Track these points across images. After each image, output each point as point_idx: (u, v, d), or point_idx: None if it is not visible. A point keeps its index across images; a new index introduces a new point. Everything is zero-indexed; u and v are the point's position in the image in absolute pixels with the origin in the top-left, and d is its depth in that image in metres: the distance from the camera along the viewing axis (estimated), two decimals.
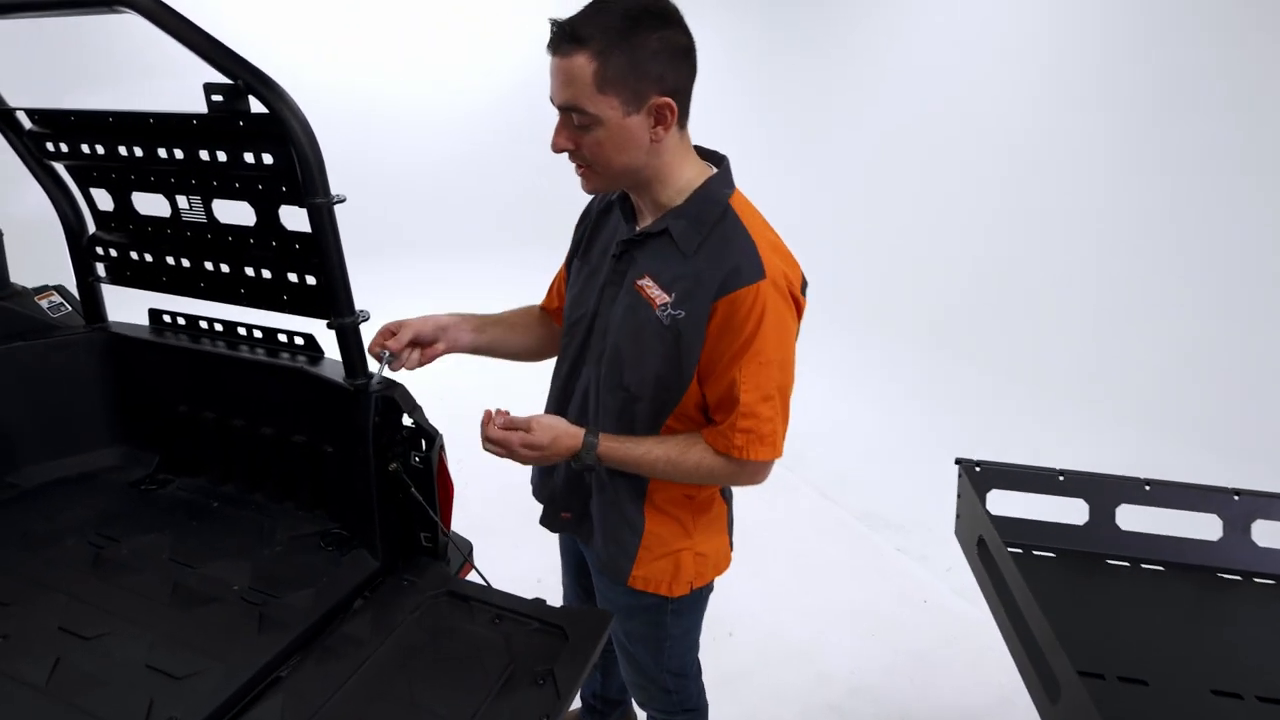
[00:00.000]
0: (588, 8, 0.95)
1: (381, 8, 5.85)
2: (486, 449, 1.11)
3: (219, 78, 1.08)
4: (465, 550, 1.46)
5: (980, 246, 4.00)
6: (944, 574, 2.84)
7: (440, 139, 6.20)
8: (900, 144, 4.49)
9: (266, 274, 1.34)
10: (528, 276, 5.58)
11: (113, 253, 1.53)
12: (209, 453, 1.58)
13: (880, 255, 4.66)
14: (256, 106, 1.12)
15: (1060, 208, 3.61)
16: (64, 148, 1.41)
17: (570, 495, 1.29)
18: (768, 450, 1.08)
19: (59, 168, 1.51)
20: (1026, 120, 3.75)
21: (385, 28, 5.89)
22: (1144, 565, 1.36)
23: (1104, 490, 1.38)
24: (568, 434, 1.12)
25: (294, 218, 1.25)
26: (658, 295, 1.05)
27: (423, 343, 1.24)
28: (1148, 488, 1.36)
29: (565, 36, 0.93)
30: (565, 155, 1.05)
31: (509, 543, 2.60)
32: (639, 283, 1.08)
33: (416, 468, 1.29)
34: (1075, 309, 3.56)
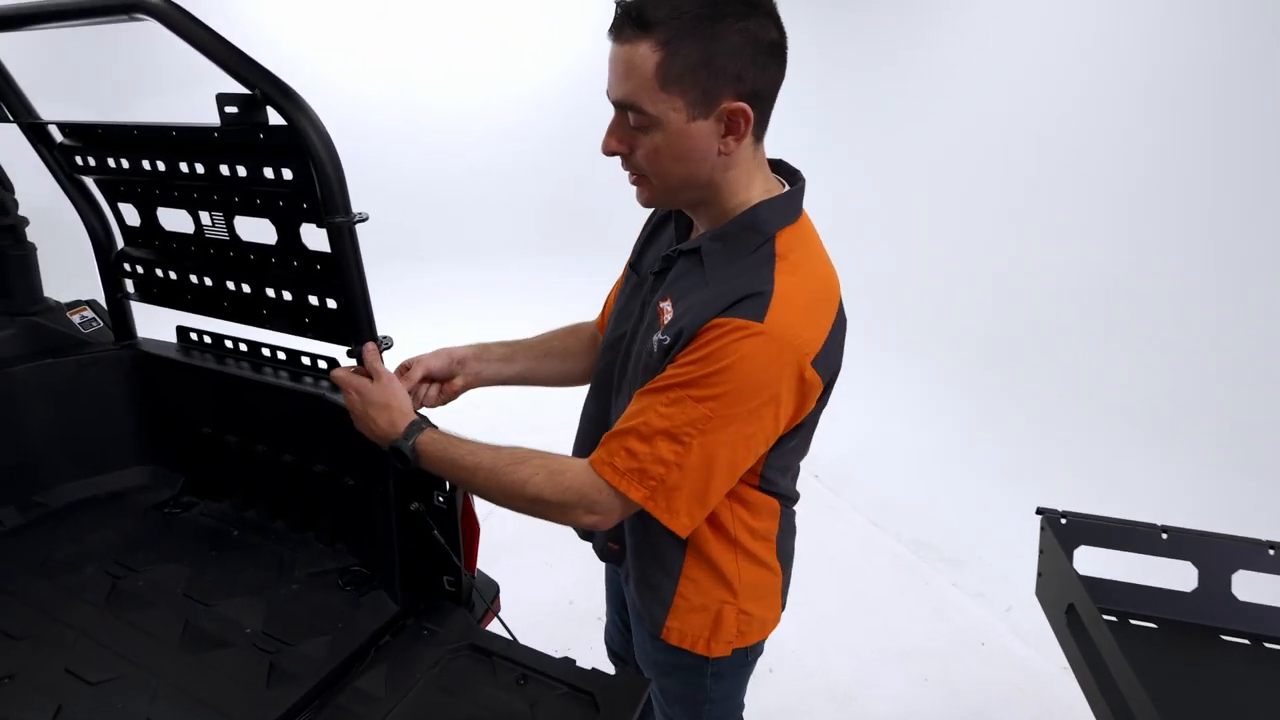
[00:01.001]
0: None
1: (412, 16, 5.87)
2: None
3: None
4: (491, 593, 1.36)
5: (1047, 258, 3.76)
6: (1004, 614, 2.64)
7: (471, 146, 6.19)
8: (957, 150, 4.27)
9: (287, 295, 1.27)
10: (561, 283, 5.55)
11: (140, 269, 1.48)
12: (233, 477, 1.53)
13: (936, 267, 4.44)
14: (276, 119, 1.05)
15: (1129, 223, 3.35)
16: (92, 161, 1.37)
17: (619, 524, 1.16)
18: (639, 491, 0.85)
19: (89, 182, 1.47)
20: (1095, 131, 3.50)
21: (415, 35, 5.90)
22: (1267, 644, 1.18)
23: (1217, 553, 1.20)
24: (399, 412, 1.00)
25: (317, 237, 1.17)
26: (666, 318, 0.91)
27: (437, 378, 1.15)
28: (1272, 552, 1.17)
29: (629, 20, 0.78)
30: (617, 161, 0.90)
31: (541, 560, 2.51)
32: (660, 304, 0.93)
33: (440, 508, 1.20)
34: (1155, 325, 3.28)
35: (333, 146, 1.05)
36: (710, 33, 0.77)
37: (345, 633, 1.18)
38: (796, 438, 0.98)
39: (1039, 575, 1.36)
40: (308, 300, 1.24)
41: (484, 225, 6.27)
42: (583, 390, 1.23)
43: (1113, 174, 3.38)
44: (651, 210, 1.09)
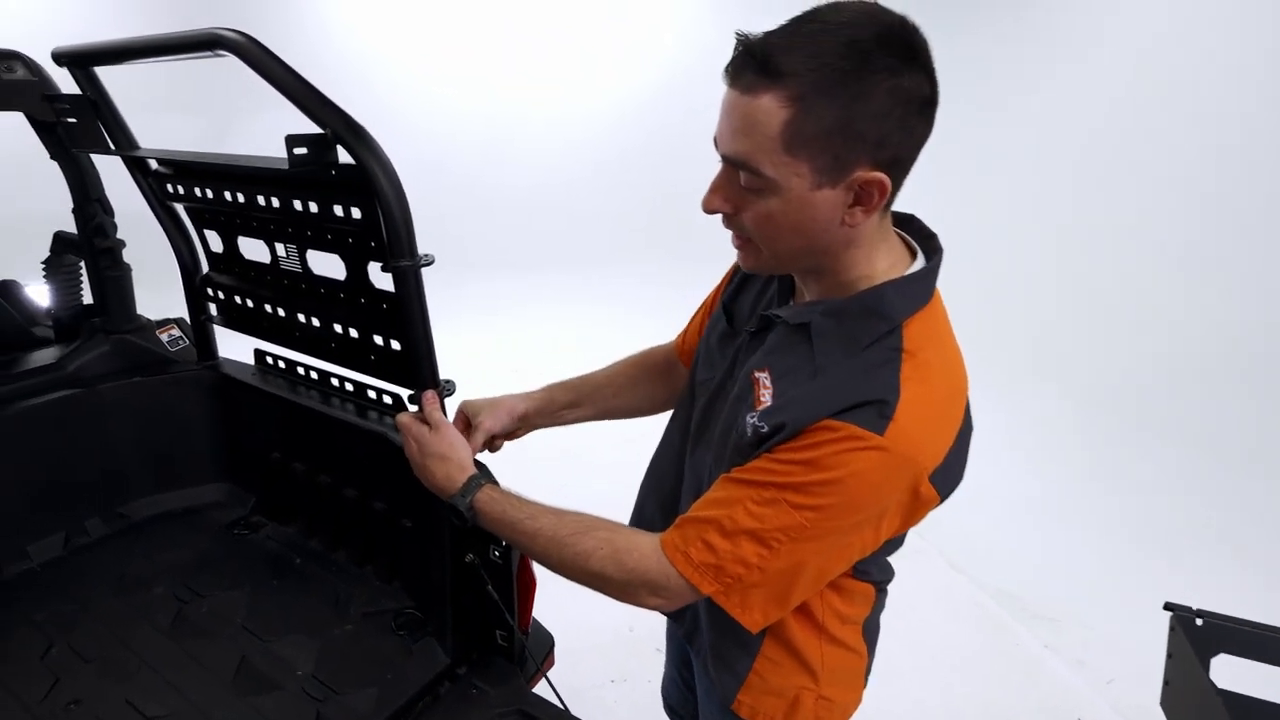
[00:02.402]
0: (795, 25, 0.65)
1: (494, 22, 5.94)
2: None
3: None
4: (544, 649, 1.30)
5: (1158, 295, 3.40)
6: (1104, 687, 2.38)
7: (552, 156, 6.22)
8: (1070, 166, 3.93)
9: (354, 333, 1.25)
10: (639, 291, 5.47)
11: (221, 295, 1.51)
12: (299, 504, 1.53)
13: (1040, 301, 4.12)
14: (346, 157, 1.02)
15: (1245, 250, 2.98)
16: (181, 189, 1.41)
17: None
18: (714, 589, 0.77)
19: (179, 209, 1.51)
20: (1218, 143, 3.13)
21: (497, 42, 5.97)
22: None
23: None
24: (458, 466, 0.94)
25: (388, 275, 1.14)
26: (764, 398, 0.79)
27: (499, 437, 1.10)
28: None
29: (754, 64, 0.64)
30: (696, 173, 0.83)
31: None
32: (757, 374, 0.82)
33: (495, 562, 1.14)
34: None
35: (400, 188, 1.01)
36: (854, 91, 0.63)
37: (393, 685, 1.15)
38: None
39: (1165, 683, 1.18)
40: (373, 339, 1.22)
41: (563, 235, 6.31)
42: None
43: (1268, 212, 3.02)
44: None
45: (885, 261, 0.77)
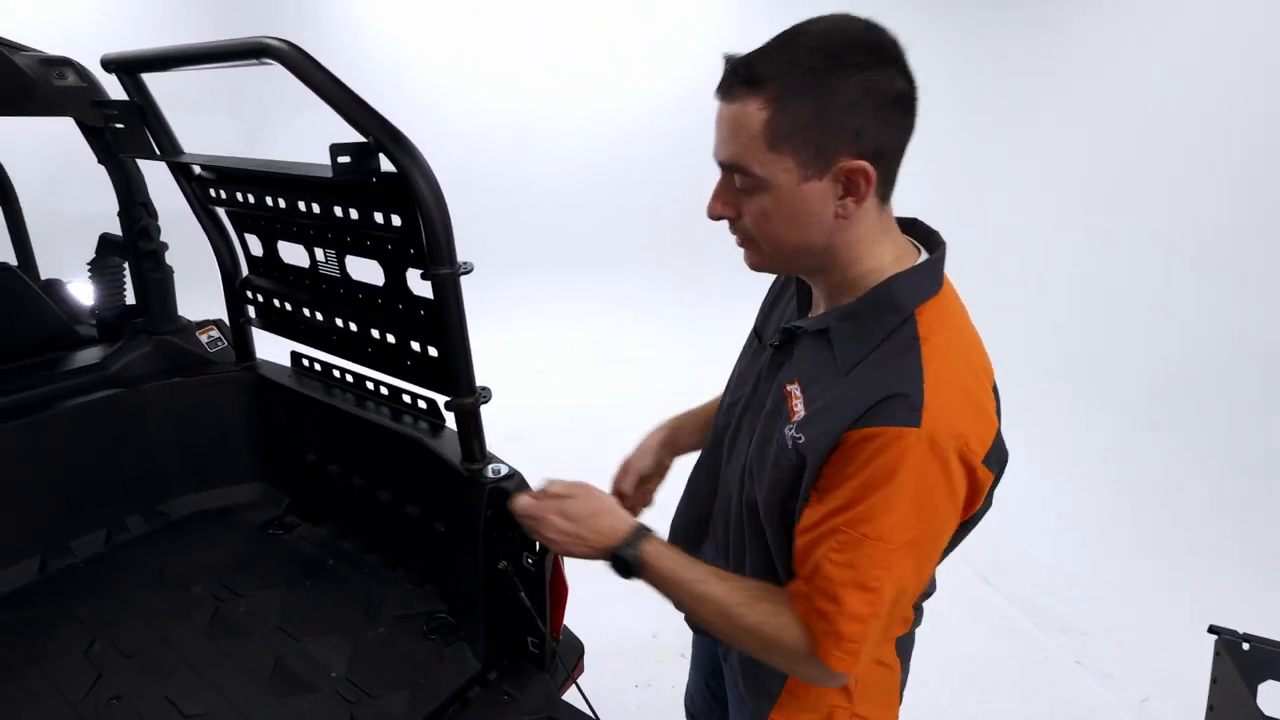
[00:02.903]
0: (774, 40, 0.71)
1: (524, 18, 5.96)
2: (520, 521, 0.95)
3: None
4: (575, 655, 1.31)
5: (1198, 299, 3.32)
6: (1138, 705, 2.33)
7: (583, 154, 6.22)
8: (1118, 174, 3.85)
9: (390, 338, 1.26)
10: (673, 295, 5.45)
11: (260, 298, 1.53)
12: (332, 505, 1.55)
13: (1073, 304, 4.04)
14: (388, 165, 1.03)
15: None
16: (223, 194, 1.43)
17: None
18: (841, 658, 0.76)
19: (221, 213, 1.53)
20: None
21: (526, 37, 5.98)
22: None
23: None
24: (610, 517, 0.90)
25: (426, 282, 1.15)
26: (796, 408, 0.81)
27: (651, 476, 1.10)
28: None
29: (738, 77, 0.71)
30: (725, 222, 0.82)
31: (627, 587, 2.45)
32: (788, 386, 0.83)
33: (528, 569, 1.14)
34: None
35: (441, 197, 1.02)
36: (825, 86, 0.68)
37: (425, 689, 1.16)
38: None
39: (1210, 709, 1.15)
40: (409, 345, 1.23)
41: (591, 235, 6.31)
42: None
43: None
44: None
45: (891, 255, 0.79)
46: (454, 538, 1.27)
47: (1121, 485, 3.28)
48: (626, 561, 0.87)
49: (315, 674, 1.19)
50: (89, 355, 1.65)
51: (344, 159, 0.99)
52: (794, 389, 0.82)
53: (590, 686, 2.28)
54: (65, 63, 1.53)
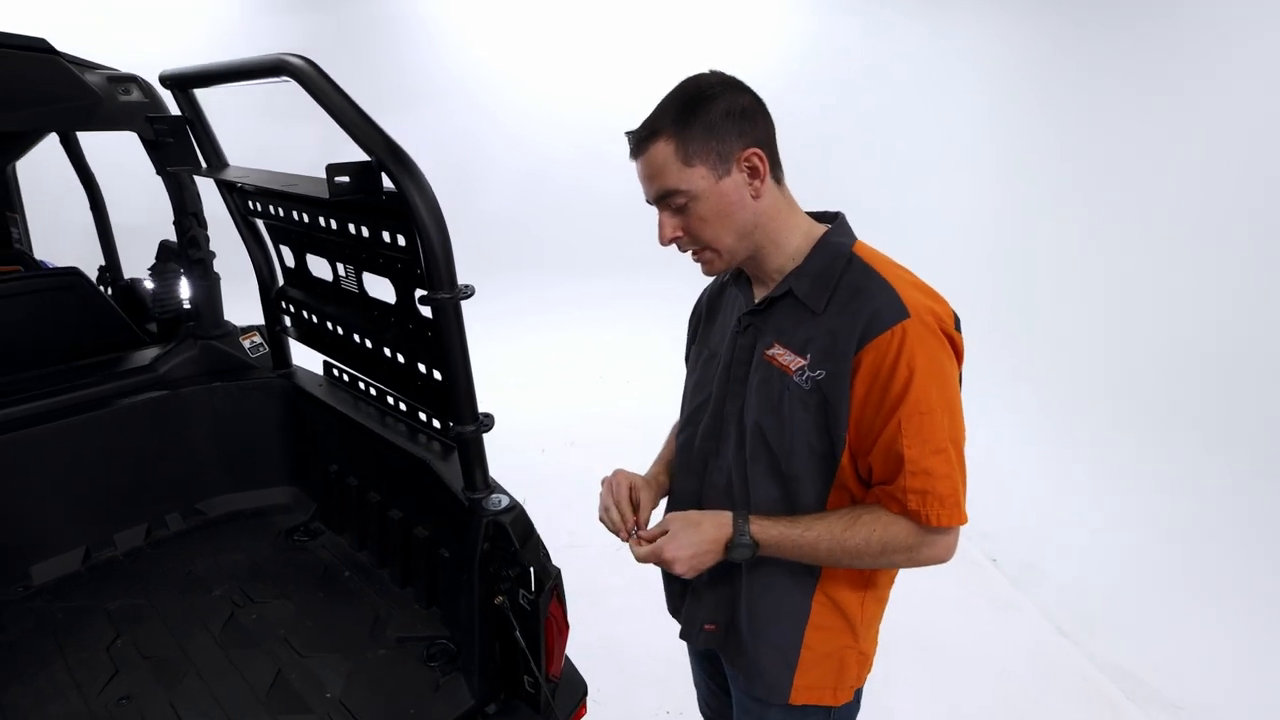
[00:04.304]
0: (654, 108, 0.94)
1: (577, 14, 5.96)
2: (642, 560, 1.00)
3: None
4: (576, 695, 1.24)
5: None
6: None
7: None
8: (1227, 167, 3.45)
9: (400, 358, 1.24)
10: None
11: (293, 308, 1.56)
12: (351, 517, 1.55)
13: (1182, 321, 3.64)
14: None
15: None
16: (259, 207, 1.45)
17: (715, 600, 1.08)
18: (950, 513, 0.91)
19: (260, 225, 1.57)
20: None
21: (579, 40, 5.99)
22: None
23: None
24: (710, 520, 0.98)
25: None
26: (791, 361, 0.95)
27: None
28: None
29: (641, 135, 0.92)
30: (683, 243, 0.98)
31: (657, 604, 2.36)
32: (769, 353, 0.98)
33: (523, 608, 1.09)
34: None
35: (441, 219, 0.98)
36: (702, 110, 0.89)
37: None
38: None
39: None
40: (416, 366, 1.20)
41: (637, 238, 6.26)
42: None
43: None
44: (695, 303, 1.18)
45: (805, 224, 0.99)
46: (456, 564, 1.24)
47: (1234, 540, 2.92)
48: (746, 546, 0.95)
49: (311, 693, 1.18)
50: (142, 357, 1.73)
51: (341, 179, 0.97)
52: (775, 351, 0.96)
53: (621, 712, 2.21)
54: (131, 79, 1.60)
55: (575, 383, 5.01)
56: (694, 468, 1.10)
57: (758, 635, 1.04)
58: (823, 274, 0.95)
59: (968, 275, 4.68)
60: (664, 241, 0.96)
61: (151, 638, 1.32)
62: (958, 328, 0.94)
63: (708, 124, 0.89)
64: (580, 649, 2.54)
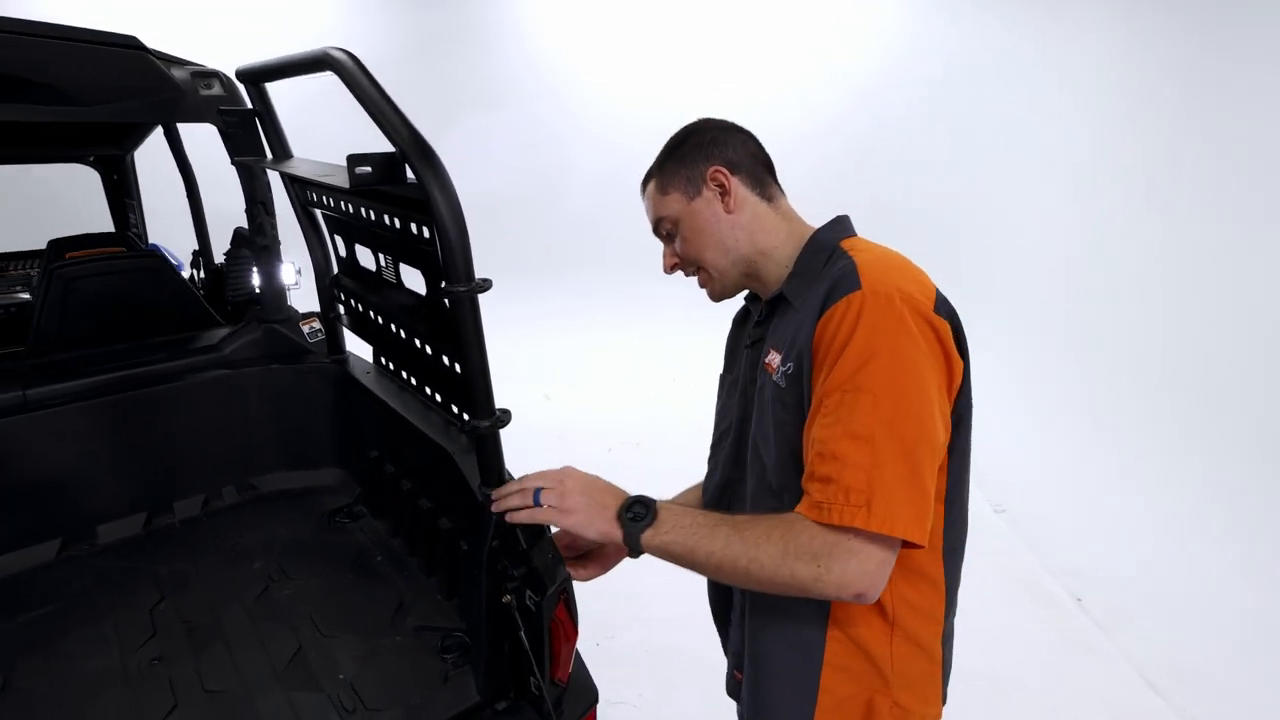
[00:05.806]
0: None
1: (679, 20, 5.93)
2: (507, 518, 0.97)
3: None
4: (585, 703, 1.21)
5: None
6: None
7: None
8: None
9: (428, 350, 1.25)
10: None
11: (343, 296, 1.60)
12: (388, 503, 1.59)
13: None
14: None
15: None
16: (315, 196, 1.50)
17: (740, 639, 1.02)
18: (854, 511, 0.76)
19: (318, 214, 1.62)
20: None
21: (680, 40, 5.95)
22: None
23: None
24: (610, 485, 0.94)
25: None
26: (774, 360, 0.93)
27: None
28: None
29: (644, 182, 1.04)
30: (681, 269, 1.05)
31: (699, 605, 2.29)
32: (765, 360, 0.95)
33: (529, 608, 1.07)
34: None
35: (459, 212, 0.97)
36: (676, 149, 1.00)
37: (420, 711, 1.13)
38: (956, 442, 0.88)
39: None
40: (441, 358, 1.20)
41: None
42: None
43: None
44: (727, 337, 1.15)
45: (800, 231, 0.99)
46: (472, 558, 1.23)
47: None
48: (642, 513, 0.87)
49: (325, 673, 1.21)
50: (212, 336, 1.84)
51: (363, 169, 0.97)
52: (770, 358, 0.94)
53: (659, 714, 2.16)
54: (214, 74, 1.70)
55: (646, 383, 5.00)
56: (715, 498, 1.07)
57: (764, 666, 0.98)
58: (809, 270, 0.95)
59: (1072, 282, 4.33)
60: (667, 270, 1.05)
61: (190, 603, 1.39)
62: (942, 312, 0.83)
63: (680, 157, 0.99)
64: (623, 650, 2.51)
